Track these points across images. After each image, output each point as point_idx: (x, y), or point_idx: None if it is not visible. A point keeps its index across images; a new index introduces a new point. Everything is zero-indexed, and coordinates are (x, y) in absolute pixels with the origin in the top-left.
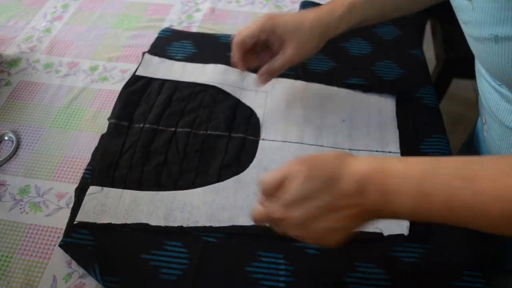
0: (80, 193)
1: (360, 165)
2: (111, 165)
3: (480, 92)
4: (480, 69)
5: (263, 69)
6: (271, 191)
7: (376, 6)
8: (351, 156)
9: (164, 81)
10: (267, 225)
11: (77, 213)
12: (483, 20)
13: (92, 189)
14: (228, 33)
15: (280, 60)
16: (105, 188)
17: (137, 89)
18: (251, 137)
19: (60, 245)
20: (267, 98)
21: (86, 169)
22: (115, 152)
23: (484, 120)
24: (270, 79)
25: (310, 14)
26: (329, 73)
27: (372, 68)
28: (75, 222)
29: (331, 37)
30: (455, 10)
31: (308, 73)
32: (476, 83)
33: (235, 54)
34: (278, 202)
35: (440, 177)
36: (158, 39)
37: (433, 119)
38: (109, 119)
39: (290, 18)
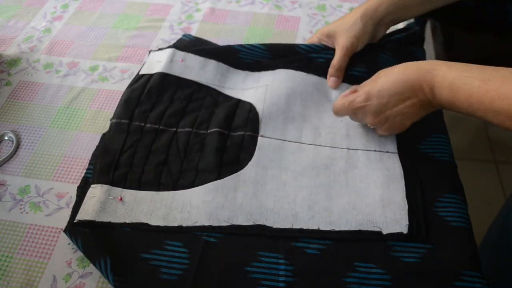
0: (82, 192)
1: (421, 67)
2: (111, 163)
3: None
4: None
5: (329, 73)
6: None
7: None
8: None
9: (165, 75)
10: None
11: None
12: None
13: (92, 187)
14: (229, 33)
15: (337, 54)
16: (105, 187)
17: (138, 86)
18: (250, 133)
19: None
20: (267, 91)
21: (88, 168)
22: (116, 150)
23: None
24: (340, 78)
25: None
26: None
27: (374, 60)
28: (75, 221)
29: (375, 20)
30: None
31: (310, 63)
32: None
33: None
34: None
35: (465, 79)
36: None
37: (433, 118)
38: (111, 119)
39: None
